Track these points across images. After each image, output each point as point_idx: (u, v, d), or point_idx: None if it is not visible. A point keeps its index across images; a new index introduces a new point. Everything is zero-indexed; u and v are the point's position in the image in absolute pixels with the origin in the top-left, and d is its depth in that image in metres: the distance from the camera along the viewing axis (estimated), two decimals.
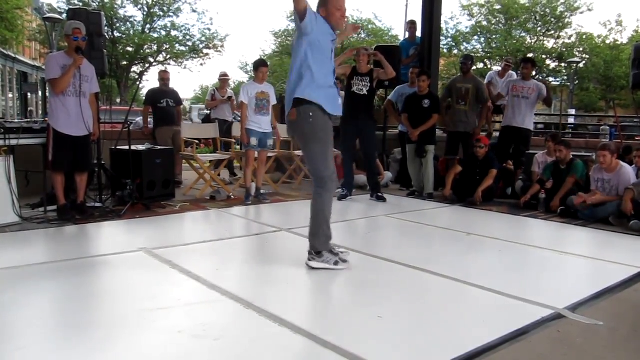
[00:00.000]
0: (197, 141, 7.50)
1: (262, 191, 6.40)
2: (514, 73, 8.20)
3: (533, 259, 4.18)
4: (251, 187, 6.38)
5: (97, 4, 24.48)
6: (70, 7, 21.95)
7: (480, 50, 27.71)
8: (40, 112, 26.46)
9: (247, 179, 6.37)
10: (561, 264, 4.00)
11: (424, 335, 2.55)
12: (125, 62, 27.05)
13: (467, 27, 28.11)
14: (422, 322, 2.73)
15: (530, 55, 26.53)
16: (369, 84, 6.32)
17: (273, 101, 6.39)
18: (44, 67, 28.99)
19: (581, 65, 26.35)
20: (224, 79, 8.53)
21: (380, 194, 6.48)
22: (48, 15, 20.31)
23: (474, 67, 13.83)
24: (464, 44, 27.98)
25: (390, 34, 28.39)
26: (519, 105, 7.02)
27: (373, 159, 6.73)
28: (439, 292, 3.28)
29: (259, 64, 6.52)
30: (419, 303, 3.05)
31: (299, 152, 7.63)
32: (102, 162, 5.84)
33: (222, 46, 28.28)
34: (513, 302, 3.01)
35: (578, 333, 2.58)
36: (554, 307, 2.88)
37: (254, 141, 6.22)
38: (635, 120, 14.22)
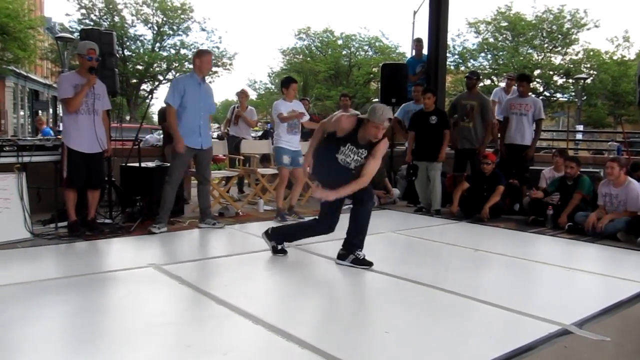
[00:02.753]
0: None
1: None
2: None
3: (540, 275, 4.19)
4: (259, 203, 6.42)
5: (108, 23, 24.89)
6: (83, 26, 22.34)
7: (487, 66, 27.80)
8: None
9: (279, 199, 6.19)
10: (568, 280, 4.00)
11: (430, 351, 2.56)
12: (135, 80, 27.41)
13: (473, 44, 28.27)
14: (429, 337, 2.75)
15: (537, 71, 26.65)
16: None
17: (306, 118, 6.37)
18: (55, 85, 29.39)
19: (589, 81, 26.33)
20: (243, 95, 8.60)
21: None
22: (60, 34, 20.66)
23: (481, 84, 13.90)
24: (471, 60, 28.08)
25: (397, 51, 28.57)
26: (518, 122, 7.07)
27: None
28: (446, 307, 3.29)
29: (290, 81, 6.46)
30: (426, 319, 3.07)
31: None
32: (113, 179, 5.91)
33: (230, 64, 28.58)
34: (520, 318, 3.02)
35: (585, 349, 2.59)
36: (560, 322, 2.89)
37: (287, 159, 6.17)
38: None
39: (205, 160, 5.66)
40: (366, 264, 4.04)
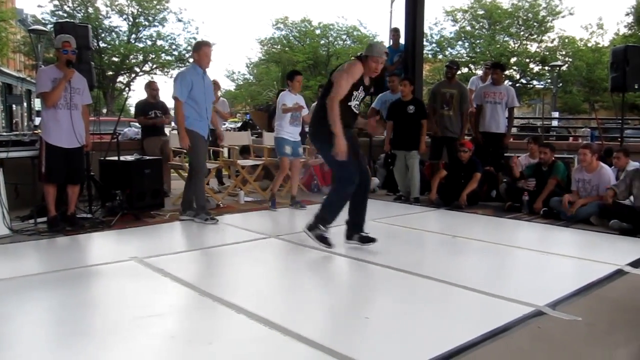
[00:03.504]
0: (185, 151, 7.53)
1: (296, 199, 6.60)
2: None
3: (516, 260, 4.30)
4: (240, 195, 6.48)
5: (82, 14, 24.49)
6: (57, 18, 21.96)
7: (465, 55, 28.00)
8: (25, 123, 26.31)
9: (275, 186, 6.54)
10: (543, 263, 4.12)
11: (410, 335, 2.64)
12: (111, 73, 27.05)
13: (451, 33, 28.47)
14: (408, 322, 2.82)
15: (513, 59, 26.92)
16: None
17: (305, 112, 6.53)
18: (29, 78, 28.81)
19: (564, 68, 26.70)
20: (215, 86, 8.56)
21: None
22: (33, 27, 20.26)
23: (459, 72, 14.02)
24: (449, 49, 28.28)
25: (375, 40, 28.60)
26: (493, 110, 7.19)
27: None
28: (425, 293, 3.38)
29: (294, 74, 6.69)
30: (405, 304, 3.14)
31: None
32: (92, 174, 5.88)
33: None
34: (496, 301, 3.12)
35: (557, 329, 2.69)
36: (535, 304, 2.99)
37: (288, 149, 6.39)
38: (617, 122, 14.45)
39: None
40: (327, 243, 4.14)
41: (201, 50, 5.49)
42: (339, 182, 4.23)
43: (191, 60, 5.84)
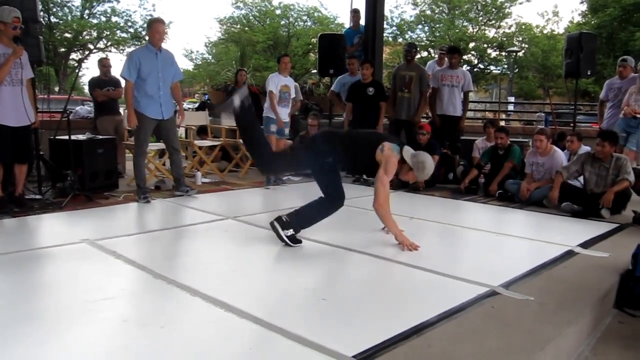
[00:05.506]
0: None
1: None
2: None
3: (472, 241, 4.37)
4: (197, 176, 6.41)
5: None
6: None
7: (425, 38, 28.19)
8: None
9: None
10: (498, 244, 4.20)
11: (366, 315, 2.64)
12: (63, 49, 26.03)
13: (411, 16, 28.56)
14: (365, 302, 2.83)
15: (472, 44, 27.28)
16: None
17: (293, 94, 6.80)
18: None
19: (520, 54, 27.22)
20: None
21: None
22: None
23: (419, 56, 14.09)
24: (409, 32, 28.38)
25: (336, 22, 28.46)
26: (450, 94, 7.29)
27: None
28: (382, 274, 3.40)
29: (281, 55, 6.94)
30: (363, 285, 3.15)
31: None
32: (41, 153, 5.66)
33: (165, 33, 27.59)
34: (452, 282, 3.15)
35: (510, 308, 2.74)
36: (489, 284, 3.04)
37: (274, 127, 6.58)
38: (570, 107, 14.85)
39: (169, 130, 5.64)
40: (297, 242, 3.91)
41: (152, 27, 5.49)
42: (332, 200, 4.01)
43: (147, 38, 5.68)
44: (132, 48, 26.53)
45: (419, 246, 3.78)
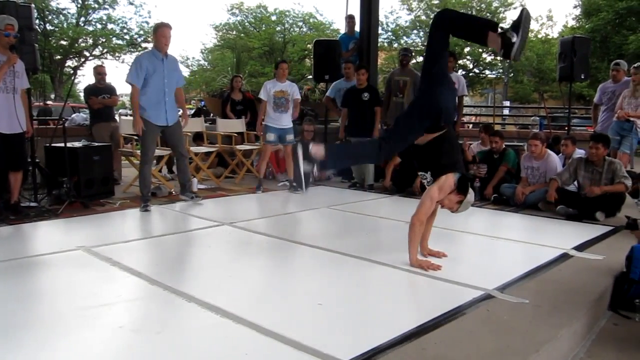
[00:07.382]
0: (136, 137, 7.36)
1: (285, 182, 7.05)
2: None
3: (467, 244, 4.39)
4: (193, 182, 6.40)
5: None
6: None
7: (420, 44, 28.27)
8: None
9: (260, 171, 6.91)
10: (493, 248, 4.22)
11: (363, 320, 2.65)
12: (59, 57, 26.03)
13: (406, 21, 28.67)
14: (362, 307, 2.83)
15: (467, 49, 27.36)
16: None
17: (296, 96, 6.69)
18: None
19: None
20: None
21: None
22: None
23: (414, 61, 14.13)
24: (404, 37, 28.50)
25: (331, 27, 28.53)
26: None
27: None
28: (379, 278, 3.40)
29: (278, 62, 6.95)
30: (359, 290, 3.16)
31: (240, 147, 7.65)
32: (37, 160, 5.66)
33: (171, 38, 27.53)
34: (447, 285, 3.16)
35: (505, 311, 2.75)
36: (484, 288, 3.05)
37: (271, 137, 6.52)
38: (565, 111, 14.92)
39: (174, 135, 5.63)
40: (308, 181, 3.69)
41: (158, 31, 5.42)
42: (383, 147, 3.51)
43: (143, 45, 5.70)
44: (128, 55, 26.61)
45: (441, 266, 3.51)
